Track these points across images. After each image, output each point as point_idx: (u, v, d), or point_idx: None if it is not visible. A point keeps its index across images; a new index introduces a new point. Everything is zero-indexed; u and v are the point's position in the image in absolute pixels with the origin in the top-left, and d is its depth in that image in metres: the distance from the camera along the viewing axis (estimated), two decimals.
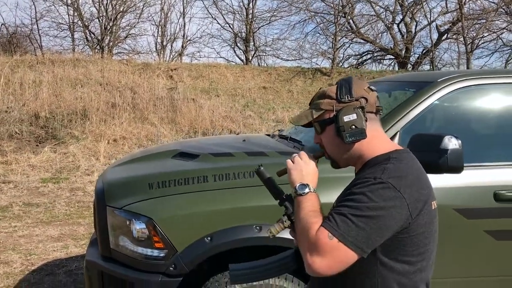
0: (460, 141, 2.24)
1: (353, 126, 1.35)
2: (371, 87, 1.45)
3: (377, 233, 1.23)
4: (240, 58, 22.06)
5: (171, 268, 2.40)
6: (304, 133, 3.21)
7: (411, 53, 20.21)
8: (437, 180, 2.36)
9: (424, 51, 20.26)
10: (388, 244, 1.28)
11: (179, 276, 2.41)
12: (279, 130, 3.91)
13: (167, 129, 10.41)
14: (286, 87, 13.84)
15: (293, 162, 1.46)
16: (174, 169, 2.71)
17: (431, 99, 2.71)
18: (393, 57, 20.50)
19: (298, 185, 1.38)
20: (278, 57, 21.36)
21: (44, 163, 8.83)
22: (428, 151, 2.25)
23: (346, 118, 1.36)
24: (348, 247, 1.22)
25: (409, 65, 19.69)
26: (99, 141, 9.62)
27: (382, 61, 21.09)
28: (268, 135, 3.82)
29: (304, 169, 1.42)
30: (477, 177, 2.62)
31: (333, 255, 1.21)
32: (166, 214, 2.41)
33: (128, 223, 2.47)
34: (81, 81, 11.77)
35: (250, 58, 21.36)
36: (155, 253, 2.43)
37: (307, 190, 1.36)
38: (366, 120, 1.38)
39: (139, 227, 2.43)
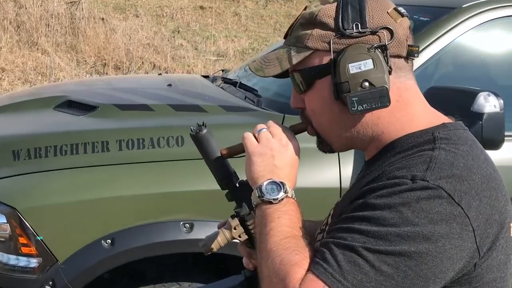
0: (501, 101, 2.10)
1: (366, 83, 1.10)
2: (399, 9, 1.17)
3: (416, 285, 0.97)
4: None
5: (47, 287, 2.18)
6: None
7: None
8: None
9: None
10: None
11: None
12: (222, 71, 3.77)
13: (65, 60, 10.01)
14: (231, 9, 13.68)
15: (257, 139, 1.19)
16: (55, 129, 2.50)
17: (453, 34, 2.50)
18: None
19: (265, 183, 1.13)
20: None
21: None
22: (452, 115, 2.05)
23: (353, 67, 1.11)
24: None
25: None
26: None
27: None
28: (206, 77, 3.64)
29: (277, 154, 1.17)
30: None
31: None
32: (40, 201, 2.20)
33: None
34: None
35: None
36: (23, 262, 2.20)
37: (281, 194, 1.11)
38: (390, 71, 1.11)
39: None
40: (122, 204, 2.18)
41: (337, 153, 2.24)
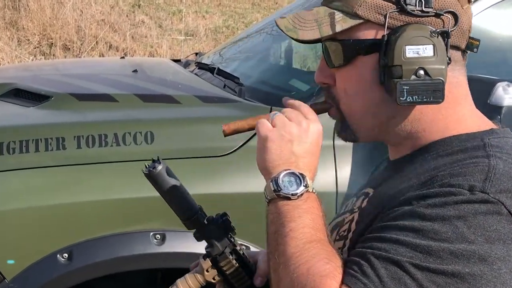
0: None
1: (422, 72, 1.11)
2: None
3: None
4: None
5: None
6: (243, 61, 3.05)
7: None
8: None
9: None
10: None
11: None
12: (196, 54, 3.77)
13: (4, 39, 9.94)
14: None
15: (272, 123, 1.17)
16: (0, 123, 2.50)
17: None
18: None
19: (282, 174, 1.12)
20: None
21: None
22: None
23: (410, 51, 1.12)
24: None
25: None
26: None
27: None
28: (177, 61, 3.71)
29: (296, 139, 1.15)
30: None
31: None
32: None
33: None
34: None
35: None
36: None
37: (301, 188, 1.10)
38: (448, 63, 1.13)
39: None
40: (81, 212, 2.19)
41: (332, 150, 2.32)
